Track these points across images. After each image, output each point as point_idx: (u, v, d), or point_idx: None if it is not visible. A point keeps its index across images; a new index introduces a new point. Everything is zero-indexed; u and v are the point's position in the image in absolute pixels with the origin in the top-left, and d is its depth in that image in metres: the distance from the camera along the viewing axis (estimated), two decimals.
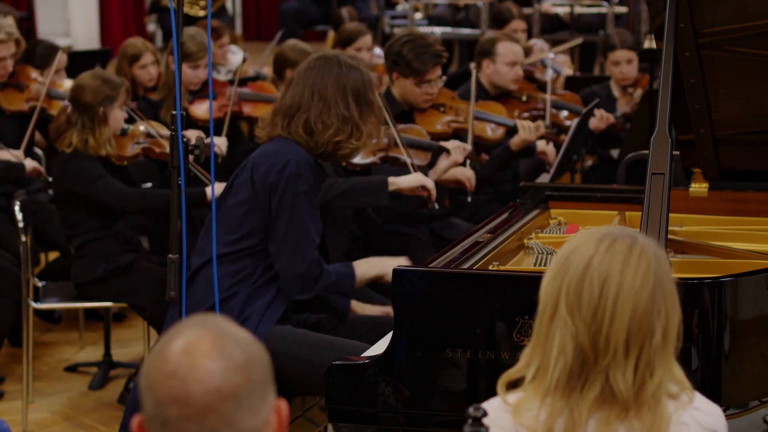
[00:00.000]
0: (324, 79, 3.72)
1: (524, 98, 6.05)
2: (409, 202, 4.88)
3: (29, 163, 5.41)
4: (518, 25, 7.49)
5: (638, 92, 6.52)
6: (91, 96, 4.85)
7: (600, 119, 6.19)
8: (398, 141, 4.84)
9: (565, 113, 6.17)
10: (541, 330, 2.10)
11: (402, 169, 4.80)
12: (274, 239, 3.71)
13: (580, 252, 2.08)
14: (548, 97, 6.04)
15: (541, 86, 6.37)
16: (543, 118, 5.97)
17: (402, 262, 3.90)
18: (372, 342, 3.62)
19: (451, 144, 5.04)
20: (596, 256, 2.05)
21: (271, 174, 3.66)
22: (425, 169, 5.01)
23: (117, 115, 4.91)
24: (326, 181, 4.55)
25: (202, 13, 9.18)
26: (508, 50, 5.96)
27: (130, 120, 5.11)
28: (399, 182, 4.63)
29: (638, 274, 2.04)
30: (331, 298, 3.86)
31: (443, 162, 5.01)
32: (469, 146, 5.14)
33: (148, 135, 5.14)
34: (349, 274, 3.87)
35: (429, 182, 4.68)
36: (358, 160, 4.74)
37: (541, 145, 5.67)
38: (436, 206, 4.73)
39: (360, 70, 3.78)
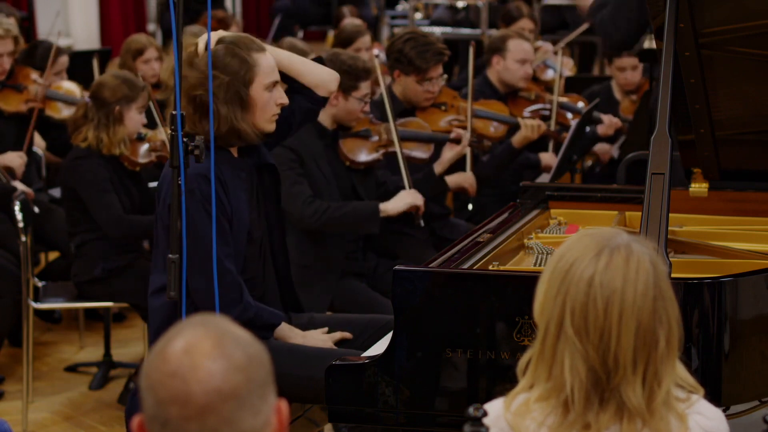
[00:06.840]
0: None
1: (532, 97, 6.06)
2: (396, 220, 4.87)
3: (21, 187, 5.29)
4: (526, 24, 7.47)
5: None
6: (110, 93, 4.87)
7: (608, 126, 6.21)
8: (395, 139, 4.83)
9: (570, 115, 6.17)
10: (546, 349, 2.09)
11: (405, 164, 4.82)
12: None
13: (580, 268, 2.06)
14: (555, 97, 6.04)
15: (549, 87, 6.38)
16: (549, 117, 5.98)
17: (321, 342, 3.71)
18: (372, 344, 3.61)
19: (461, 133, 5.05)
20: (597, 274, 2.04)
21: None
22: (429, 162, 5.03)
23: (134, 117, 4.92)
24: (317, 204, 4.48)
25: None
26: (518, 47, 5.98)
27: (151, 125, 5.11)
28: (389, 209, 4.62)
29: (638, 288, 2.04)
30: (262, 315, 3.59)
31: (448, 153, 5.04)
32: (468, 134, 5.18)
33: (164, 143, 5.07)
34: (277, 315, 3.61)
35: (418, 200, 4.70)
36: (361, 158, 4.74)
37: (546, 158, 5.75)
38: (422, 224, 4.77)
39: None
